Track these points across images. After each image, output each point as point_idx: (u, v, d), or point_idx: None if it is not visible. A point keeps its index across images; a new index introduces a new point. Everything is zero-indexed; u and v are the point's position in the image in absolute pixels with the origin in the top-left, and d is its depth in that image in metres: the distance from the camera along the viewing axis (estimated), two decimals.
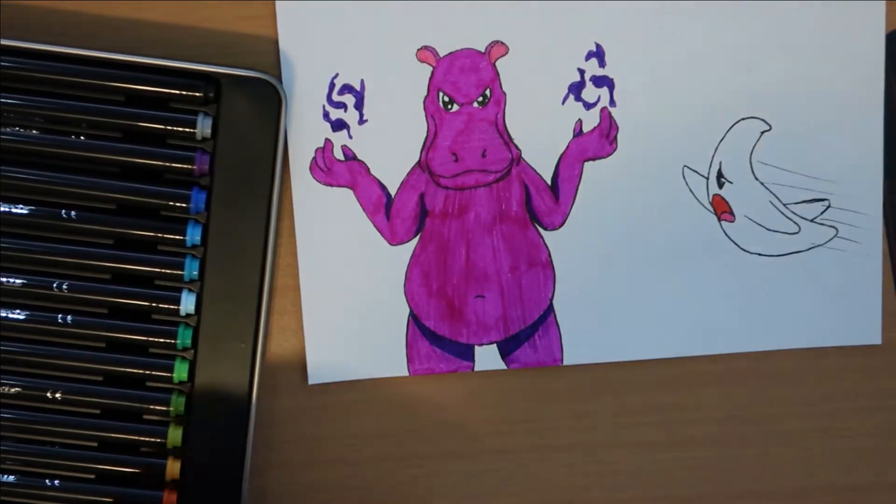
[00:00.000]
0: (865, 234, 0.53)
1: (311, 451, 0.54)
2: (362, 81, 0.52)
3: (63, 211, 0.51)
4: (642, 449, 0.55)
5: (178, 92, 0.51)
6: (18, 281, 0.51)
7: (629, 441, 0.55)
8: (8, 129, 0.50)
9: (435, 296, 0.53)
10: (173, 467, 0.52)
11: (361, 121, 0.52)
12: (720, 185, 0.53)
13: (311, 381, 0.53)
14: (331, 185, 0.53)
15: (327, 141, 0.52)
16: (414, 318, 0.53)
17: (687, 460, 0.55)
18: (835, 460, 0.55)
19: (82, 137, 0.51)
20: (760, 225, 0.53)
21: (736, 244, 0.53)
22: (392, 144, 0.52)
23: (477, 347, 0.54)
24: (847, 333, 0.54)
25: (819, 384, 0.54)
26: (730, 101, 0.53)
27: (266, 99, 0.51)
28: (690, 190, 0.53)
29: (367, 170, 0.52)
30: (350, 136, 0.52)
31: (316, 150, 0.52)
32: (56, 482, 0.52)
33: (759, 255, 0.53)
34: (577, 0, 0.51)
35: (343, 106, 0.52)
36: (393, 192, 0.53)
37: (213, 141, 0.51)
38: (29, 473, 0.52)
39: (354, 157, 0.52)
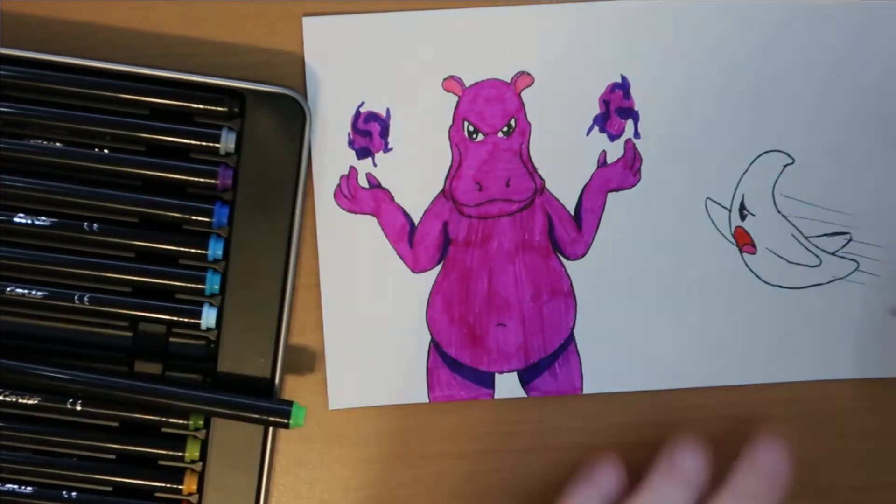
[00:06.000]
0: (886, 267, 0.54)
1: (310, 452, 0.54)
2: (388, 110, 0.52)
3: (85, 224, 0.51)
4: (642, 449, 0.54)
5: (202, 107, 0.51)
6: (40, 293, 0.51)
7: (629, 441, 0.54)
8: (32, 142, 0.51)
9: (456, 323, 0.53)
10: (190, 481, 0.52)
11: (386, 149, 0.52)
12: (742, 218, 0.53)
13: (330, 407, 0.53)
14: (355, 213, 0.53)
15: (352, 168, 0.52)
16: (435, 346, 0.53)
17: None
18: (834, 460, 0.55)
19: (106, 151, 0.51)
20: (782, 257, 0.53)
21: (757, 276, 0.53)
22: (416, 173, 0.52)
23: (497, 375, 0.54)
24: (867, 366, 0.54)
25: (818, 385, 0.54)
26: (753, 134, 0.53)
27: (291, 115, 0.51)
28: (713, 222, 0.53)
29: (391, 198, 0.53)
30: (375, 164, 0.52)
31: (340, 178, 0.52)
32: (73, 494, 0.51)
33: (780, 287, 0.53)
34: (603, 32, 0.52)
35: (368, 134, 0.52)
36: (416, 220, 0.53)
37: (236, 156, 0.51)
38: (46, 485, 0.52)
39: (379, 185, 0.53)
